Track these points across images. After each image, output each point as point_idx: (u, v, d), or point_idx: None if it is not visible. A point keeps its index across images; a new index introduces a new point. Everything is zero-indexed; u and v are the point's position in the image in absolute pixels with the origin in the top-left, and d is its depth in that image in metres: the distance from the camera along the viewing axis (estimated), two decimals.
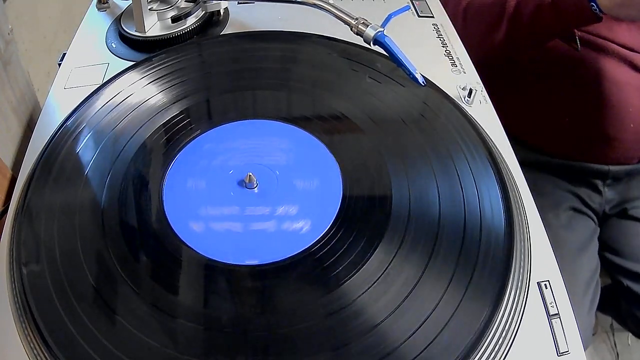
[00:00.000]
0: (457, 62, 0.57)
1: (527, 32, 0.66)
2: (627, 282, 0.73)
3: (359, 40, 0.52)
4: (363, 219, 0.42)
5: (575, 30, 0.68)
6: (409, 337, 0.35)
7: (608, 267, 0.76)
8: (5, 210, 0.45)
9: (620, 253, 0.74)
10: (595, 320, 0.73)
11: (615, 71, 0.69)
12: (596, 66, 0.69)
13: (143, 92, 0.51)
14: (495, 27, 0.67)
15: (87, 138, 0.47)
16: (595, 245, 0.74)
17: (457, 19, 0.67)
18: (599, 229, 0.76)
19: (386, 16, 0.52)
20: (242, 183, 0.44)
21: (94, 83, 0.54)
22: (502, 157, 0.47)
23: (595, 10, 0.58)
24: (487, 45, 0.70)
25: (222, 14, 0.63)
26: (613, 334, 1.11)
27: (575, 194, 0.75)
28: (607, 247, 0.76)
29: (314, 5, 0.53)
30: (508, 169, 0.46)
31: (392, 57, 0.51)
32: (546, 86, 0.73)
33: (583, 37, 0.68)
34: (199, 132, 0.48)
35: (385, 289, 0.37)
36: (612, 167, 0.74)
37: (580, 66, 0.69)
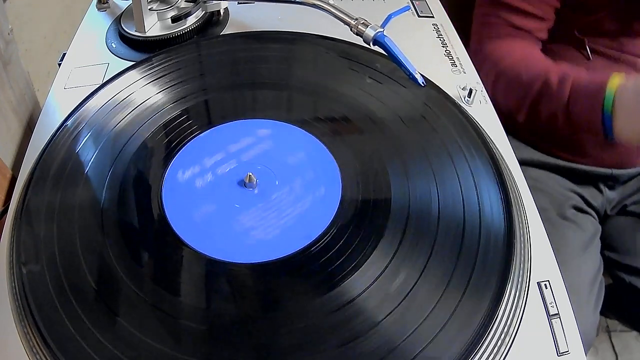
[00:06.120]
0: (457, 62, 0.57)
1: (543, 122, 0.68)
2: (629, 279, 0.73)
3: (359, 40, 0.52)
4: (363, 218, 0.42)
5: (585, 40, 0.69)
6: (409, 336, 0.35)
7: (609, 266, 0.76)
8: (5, 210, 0.45)
9: (620, 250, 0.75)
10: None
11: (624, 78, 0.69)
12: (606, 74, 0.69)
13: (143, 92, 0.51)
14: (518, 107, 0.68)
15: (87, 138, 0.47)
16: (597, 244, 0.74)
17: (489, 77, 0.69)
18: (600, 228, 0.77)
19: (386, 16, 0.52)
20: (242, 183, 0.44)
21: (94, 83, 0.54)
22: (502, 157, 0.47)
23: (608, 134, 0.59)
24: (508, 110, 0.70)
25: (222, 14, 0.63)
26: (610, 335, 1.11)
27: (579, 194, 0.76)
28: (607, 245, 0.76)
29: (314, 5, 0.53)
30: (508, 169, 0.46)
31: (392, 58, 0.51)
32: None
33: (594, 48, 0.69)
34: (198, 131, 0.48)
35: (385, 288, 0.37)
36: (615, 171, 0.75)
37: (591, 74, 0.70)
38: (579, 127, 0.63)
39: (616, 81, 0.58)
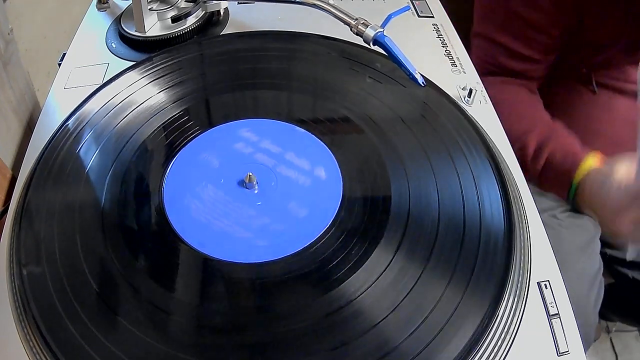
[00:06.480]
0: (457, 62, 0.57)
1: None
2: (632, 274, 0.73)
3: (359, 40, 0.52)
4: (362, 218, 0.42)
5: (592, 75, 0.69)
6: (408, 336, 0.35)
7: (611, 264, 0.76)
8: (5, 210, 0.45)
9: (621, 246, 0.75)
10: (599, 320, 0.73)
11: (628, 110, 0.69)
12: (611, 106, 0.70)
13: (143, 92, 0.51)
14: None
15: (87, 138, 0.47)
16: (597, 244, 0.74)
17: None
18: (600, 229, 0.77)
19: (386, 16, 0.52)
20: (242, 183, 0.44)
21: (94, 83, 0.54)
22: (502, 157, 0.47)
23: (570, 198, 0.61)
24: None
25: (222, 14, 0.63)
26: (610, 335, 1.11)
27: None
28: (609, 243, 0.76)
29: (314, 5, 0.53)
30: (508, 169, 0.46)
31: (392, 57, 0.51)
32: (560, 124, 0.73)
33: (599, 81, 0.69)
34: (198, 131, 0.48)
35: (385, 288, 0.37)
36: None
37: (596, 106, 0.70)
38: (547, 188, 0.64)
39: (587, 165, 0.59)
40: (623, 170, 0.54)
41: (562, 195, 0.61)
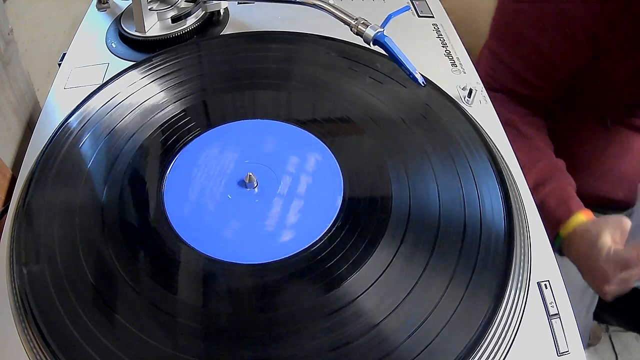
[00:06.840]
0: (457, 62, 0.57)
1: None
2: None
3: (359, 40, 0.52)
4: (363, 218, 0.42)
5: (606, 111, 0.69)
6: (409, 336, 0.35)
7: None
8: (5, 210, 0.45)
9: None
10: (599, 324, 0.73)
11: (638, 145, 0.69)
12: (623, 143, 0.70)
13: (143, 92, 0.51)
14: None
15: (87, 138, 0.47)
16: None
17: None
18: None
19: (386, 16, 0.52)
20: (242, 183, 0.44)
21: (94, 83, 0.54)
22: (502, 157, 0.47)
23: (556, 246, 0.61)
24: None
25: (222, 14, 0.63)
26: (610, 335, 1.11)
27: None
28: None
29: (314, 5, 0.53)
30: (508, 169, 0.46)
31: (392, 57, 0.51)
32: (568, 156, 0.71)
33: (613, 117, 0.69)
34: (198, 131, 0.48)
35: (385, 288, 0.37)
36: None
37: (608, 142, 0.70)
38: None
39: (576, 221, 0.58)
40: (610, 234, 0.54)
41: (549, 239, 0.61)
